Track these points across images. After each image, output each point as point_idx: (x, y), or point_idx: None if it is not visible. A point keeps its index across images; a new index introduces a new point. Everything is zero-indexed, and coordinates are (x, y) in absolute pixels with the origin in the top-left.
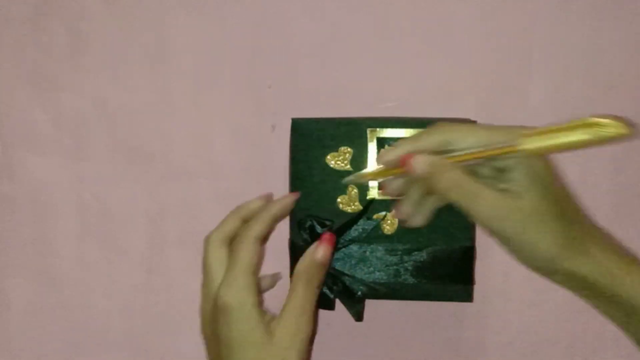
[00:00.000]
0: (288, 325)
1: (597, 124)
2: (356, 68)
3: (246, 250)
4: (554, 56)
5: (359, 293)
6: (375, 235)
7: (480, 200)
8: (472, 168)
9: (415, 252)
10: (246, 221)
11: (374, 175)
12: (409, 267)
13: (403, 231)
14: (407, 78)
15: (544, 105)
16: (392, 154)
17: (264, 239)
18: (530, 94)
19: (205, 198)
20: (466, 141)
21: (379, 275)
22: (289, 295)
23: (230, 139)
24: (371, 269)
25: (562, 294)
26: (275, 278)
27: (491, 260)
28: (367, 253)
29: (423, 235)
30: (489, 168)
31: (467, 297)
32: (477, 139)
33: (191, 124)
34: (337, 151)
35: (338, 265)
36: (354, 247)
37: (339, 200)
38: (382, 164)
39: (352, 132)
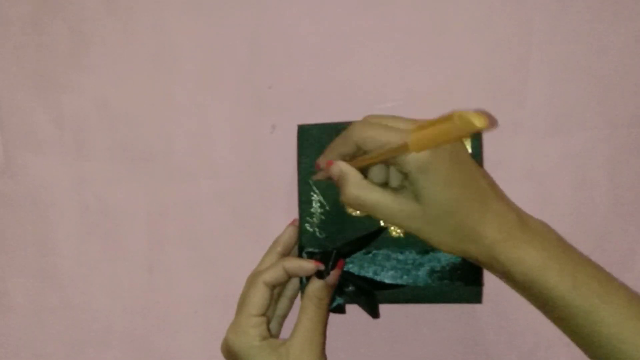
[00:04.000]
0: (301, 346)
1: (461, 117)
2: (356, 68)
3: (252, 294)
4: (553, 56)
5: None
6: (383, 239)
7: (376, 208)
8: (382, 173)
9: (424, 255)
10: (283, 254)
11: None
12: (418, 270)
13: (411, 235)
14: (406, 78)
15: (543, 104)
16: (322, 160)
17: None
18: (528, 94)
19: (205, 198)
20: (370, 144)
21: (389, 280)
22: (300, 317)
23: (230, 139)
24: (381, 273)
25: None
26: (294, 294)
27: None
28: (377, 257)
29: None
30: (396, 173)
31: (477, 298)
32: (378, 141)
33: (192, 124)
34: None
35: (348, 269)
36: (362, 254)
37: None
38: (320, 167)
39: None
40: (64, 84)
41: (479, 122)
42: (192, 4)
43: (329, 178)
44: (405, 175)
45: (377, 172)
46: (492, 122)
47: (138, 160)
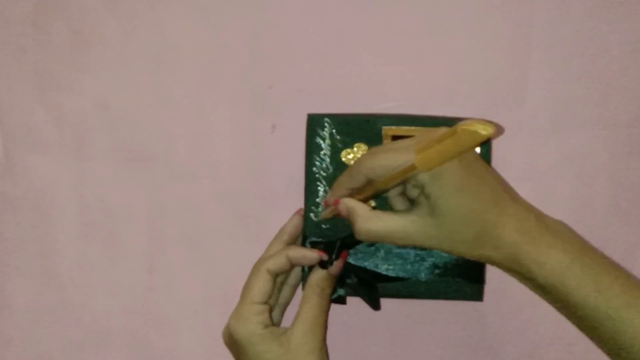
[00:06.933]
0: (303, 336)
1: (465, 131)
2: (356, 68)
3: (255, 281)
4: (553, 56)
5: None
6: None
7: (392, 235)
8: (398, 195)
9: (426, 252)
10: (288, 243)
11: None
12: (420, 265)
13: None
14: (407, 78)
15: (543, 104)
16: (330, 197)
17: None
18: (528, 94)
19: (205, 198)
20: (379, 171)
21: (391, 272)
22: (302, 306)
23: (230, 139)
24: (383, 266)
25: None
26: (295, 285)
27: None
28: (380, 250)
29: None
30: (413, 191)
31: (478, 296)
32: (387, 166)
33: (191, 124)
34: (352, 147)
35: (351, 261)
36: (364, 246)
37: None
38: (328, 204)
39: (367, 129)
40: (64, 84)
41: (484, 131)
42: (192, 4)
43: (338, 215)
44: (421, 189)
45: (395, 191)
46: (499, 130)
47: (138, 160)
